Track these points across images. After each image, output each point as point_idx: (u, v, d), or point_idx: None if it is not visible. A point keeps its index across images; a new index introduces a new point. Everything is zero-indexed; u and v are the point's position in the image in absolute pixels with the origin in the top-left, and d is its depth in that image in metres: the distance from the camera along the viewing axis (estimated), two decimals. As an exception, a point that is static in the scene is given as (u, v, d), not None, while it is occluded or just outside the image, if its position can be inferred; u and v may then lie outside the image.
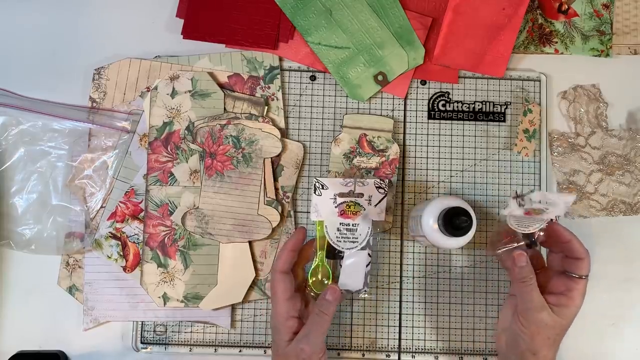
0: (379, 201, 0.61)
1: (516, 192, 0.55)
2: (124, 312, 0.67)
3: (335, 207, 0.60)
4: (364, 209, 0.61)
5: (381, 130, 0.69)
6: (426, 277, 0.68)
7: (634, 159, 0.70)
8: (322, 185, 0.60)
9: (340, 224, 0.60)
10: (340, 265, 0.60)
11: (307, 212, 0.69)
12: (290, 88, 0.71)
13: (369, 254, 0.61)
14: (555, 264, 0.59)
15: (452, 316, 0.68)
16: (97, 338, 0.68)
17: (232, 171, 0.67)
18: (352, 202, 0.60)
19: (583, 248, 0.56)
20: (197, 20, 0.70)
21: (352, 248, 0.60)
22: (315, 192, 0.60)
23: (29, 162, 0.68)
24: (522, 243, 0.58)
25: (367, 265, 0.61)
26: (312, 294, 0.61)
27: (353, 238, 0.60)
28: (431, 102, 0.71)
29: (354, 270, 0.60)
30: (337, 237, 0.60)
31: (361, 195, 0.61)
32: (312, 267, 0.60)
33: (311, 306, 0.60)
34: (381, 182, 0.61)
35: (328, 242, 0.60)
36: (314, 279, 0.60)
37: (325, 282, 0.60)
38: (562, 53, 0.72)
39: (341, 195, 0.60)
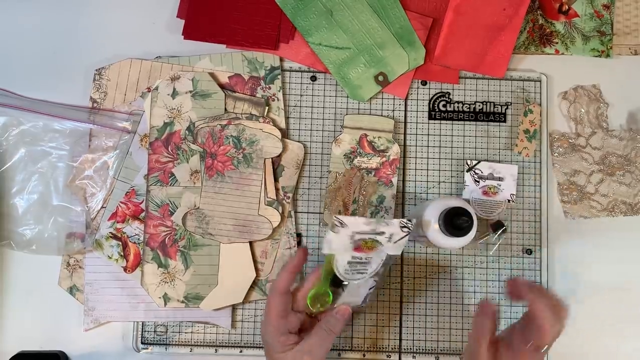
0: (400, 238, 0.57)
1: (467, 163, 0.60)
2: (124, 312, 0.67)
3: (351, 243, 0.55)
4: (382, 245, 0.56)
5: (382, 130, 0.69)
6: (426, 277, 0.68)
7: (634, 159, 0.70)
8: (341, 223, 0.54)
9: (353, 257, 0.56)
10: (343, 290, 0.58)
11: (307, 213, 0.69)
12: (290, 88, 0.71)
13: (374, 280, 0.58)
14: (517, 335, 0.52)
15: (452, 316, 0.68)
16: (98, 338, 0.68)
17: (233, 171, 0.67)
18: (370, 238, 0.56)
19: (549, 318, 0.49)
20: (198, 21, 0.70)
21: (360, 279, 0.57)
22: (332, 230, 0.54)
23: (29, 163, 0.68)
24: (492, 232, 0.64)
25: (370, 289, 0.59)
26: (309, 312, 0.59)
27: (362, 269, 0.57)
28: (432, 102, 0.71)
29: (355, 292, 0.58)
30: (345, 270, 0.56)
31: (382, 233, 0.56)
32: (314, 290, 0.57)
33: (308, 320, 0.58)
34: (407, 222, 0.56)
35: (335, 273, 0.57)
36: (313, 300, 0.57)
37: (321, 307, 0.58)
38: (562, 53, 0.72)
39: (360, 232, 0.55)
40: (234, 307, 0.68)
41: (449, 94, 0.71)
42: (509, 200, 0.67)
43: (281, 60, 0.71)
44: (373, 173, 0.68)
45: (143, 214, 0.68)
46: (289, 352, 0.55)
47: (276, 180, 0.68)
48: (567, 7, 0.71)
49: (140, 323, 0.67)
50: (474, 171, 0.68)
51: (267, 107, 0.69)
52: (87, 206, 0.68)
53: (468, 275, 0.68)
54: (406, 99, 0.71)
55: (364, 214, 0.68)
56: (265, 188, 0.67)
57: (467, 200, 0.67)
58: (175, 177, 0.68)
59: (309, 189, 0.69)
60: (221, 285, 0.66)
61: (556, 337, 0.49)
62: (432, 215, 0.59)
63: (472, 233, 0.59)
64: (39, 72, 0.71)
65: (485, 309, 0.53)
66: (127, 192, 0.68)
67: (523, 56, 0.72)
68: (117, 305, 0.67)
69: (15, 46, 0.72)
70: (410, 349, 0.67)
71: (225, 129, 0.67)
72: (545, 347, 0.49)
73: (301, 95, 0.71)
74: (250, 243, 0.67)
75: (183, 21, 0.71)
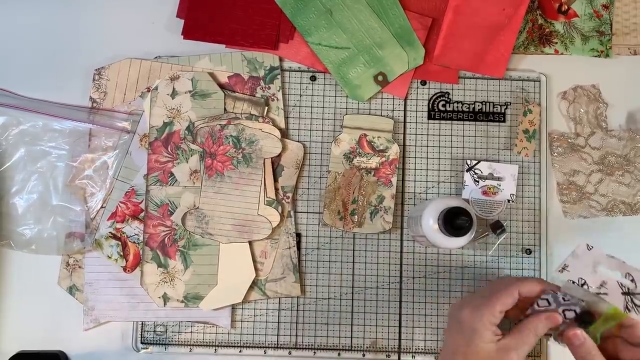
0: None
1: (467, 163, 0.66)
2: (124, 312, 0.67)
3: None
4: None
5: (381, 130, 0.69)
6: (426, 277, 0.68)
7: (633, 160, 0.70)
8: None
9: None
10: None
11: (307, 212, 0.69)
12: (290, 88, 0.71)
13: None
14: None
15: (452, 316, 0.68)
16: (97, 338, 0.68)
17: (232, 171, 0.67)
18: None
19: None
20: (198, 21, 0.70)
21: None
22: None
23: (29, 162, 0.68)
24: (491, 232, 0.66)
25: None
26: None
27: None
28: (431, 102, 0.71)
29: None
30: None
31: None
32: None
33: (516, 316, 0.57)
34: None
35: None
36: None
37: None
38: (562, 53, 0.72)
39: None
40: (233, 307, 0.68)
41: (449, 94, 0.71)
42: (508, 200, 0.68)
43: (281, 60, 0.71)
44: (372, 173, 0.68)
45: (142, 214, 0.68)
46: (494, 344, 0.53)
47: (276, 180, 0.68)
48: (566, 7, 0.71)
49: (140, 323, 0.67)
50: (474, 171, 0.68)
51: (266, 107, 0.69)
52: (86, 206, 0.68)
53: (467, 275, 0.68)
54: (405, 99, 0.71)
55: (364, 213, 0.68)
56: (265, 188, 0.67)
57: (467, 200, 0.67)
58: (174, 177, 0.68)
59: (308, 188, 0.69)
60: (220, 285, 0.66)
61: None
62: (431, 215, 0.60)
63: (472, 233, 0.59)
64: (38, 72, 0.71)
65: (575, 336, 0.52)
66: (127, 192, 0.68)
67: (522, 56, 0.72)
68: (116, 305, 0.67)
69: (15, 46, 0.72)
70: (410, 348, 0.67)
71: (224, 129, 0.67)
72: None
73: (301, 95, 0.71)
74: (250, 243, 0.67)
75: (182, 21, 0.71)
